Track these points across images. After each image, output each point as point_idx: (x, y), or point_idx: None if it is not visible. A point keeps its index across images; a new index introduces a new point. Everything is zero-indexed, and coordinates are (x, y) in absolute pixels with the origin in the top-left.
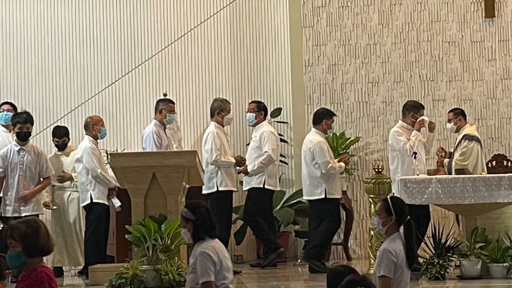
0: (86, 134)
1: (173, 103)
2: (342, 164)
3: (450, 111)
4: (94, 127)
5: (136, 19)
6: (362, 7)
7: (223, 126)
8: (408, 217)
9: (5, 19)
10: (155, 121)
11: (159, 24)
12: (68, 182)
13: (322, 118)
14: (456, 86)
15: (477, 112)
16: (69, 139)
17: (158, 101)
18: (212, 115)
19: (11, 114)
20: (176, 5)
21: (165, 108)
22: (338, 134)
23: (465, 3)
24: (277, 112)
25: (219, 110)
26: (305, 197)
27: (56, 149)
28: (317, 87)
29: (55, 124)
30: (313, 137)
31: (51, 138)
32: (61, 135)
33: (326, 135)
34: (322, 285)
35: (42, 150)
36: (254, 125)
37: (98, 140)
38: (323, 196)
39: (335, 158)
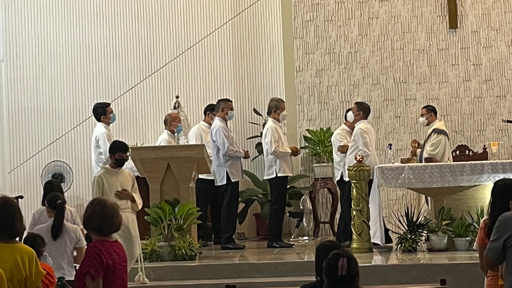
0: (165, 128)
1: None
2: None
3: (423, 107)
4: (171, 123)
5: (152, 33)
6: (345, 21)
7: (279, 122)
8: None
9: (43, 35)
10: (218, 118)
11: (172, 37)
12: None
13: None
14: (425, 87)
15: (443, 109)
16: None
17: (219, 101)
18: (269, 113)
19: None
20: (186, 21)
21: (226, 106)
22: (324, 129)
23: (432, 16)
24: None
25: (275, 108)
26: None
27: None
28: (306, 89)
29: (84, 122)
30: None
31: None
32: (126, 150)
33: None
34: (311, 258)
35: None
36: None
37: (174, 134)
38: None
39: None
